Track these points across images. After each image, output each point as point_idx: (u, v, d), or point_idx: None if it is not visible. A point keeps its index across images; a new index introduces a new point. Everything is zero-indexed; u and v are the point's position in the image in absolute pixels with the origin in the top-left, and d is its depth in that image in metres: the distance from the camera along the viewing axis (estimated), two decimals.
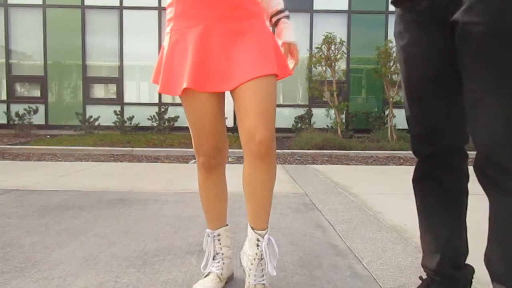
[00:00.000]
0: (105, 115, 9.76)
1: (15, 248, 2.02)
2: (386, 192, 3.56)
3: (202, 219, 2.60)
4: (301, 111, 9.83)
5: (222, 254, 1.61)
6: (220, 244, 1.61)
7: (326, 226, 2.50)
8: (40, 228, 2.37)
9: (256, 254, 1.43)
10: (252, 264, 1.45)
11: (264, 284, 1.45)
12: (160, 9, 10.07)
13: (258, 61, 1.39)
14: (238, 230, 2.36)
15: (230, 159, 6.05)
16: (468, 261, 1.40)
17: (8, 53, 10.12)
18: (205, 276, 1.58)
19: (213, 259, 1.60)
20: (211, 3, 1.39)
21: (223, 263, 1.60)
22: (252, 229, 1.44)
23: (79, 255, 1.94)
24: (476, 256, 1.71)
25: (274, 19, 1.64)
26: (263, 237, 1.42)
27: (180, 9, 1.43)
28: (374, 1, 10.14)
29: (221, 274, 1.58)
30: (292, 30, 1.64)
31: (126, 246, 2.08)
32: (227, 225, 1.65)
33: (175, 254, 1.97)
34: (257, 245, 1.43)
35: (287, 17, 1.65)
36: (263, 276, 1.45)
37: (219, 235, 1.61)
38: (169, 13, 1.48)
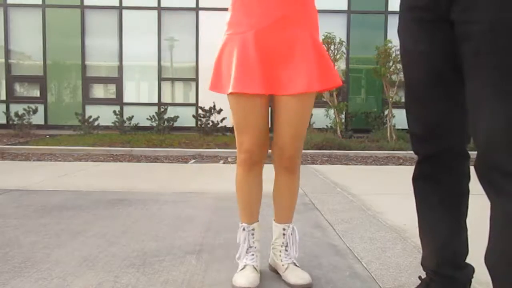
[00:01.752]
0: (104, 115, 9.76)
1: (15, 248, 2.02)
2: (385, 192, 3.56)
3: (202, 219, 2.60)
4: None
5: (255, 247, 1.69)
6: (253, 238, 1.69)
7: (326, 226, 2.50)
8: (40, 228, 2.37)
9: (283, 242, 1.70)
10: (280, 251, 1.70)
11: (294, 263, 1.69)
12: (160, 9, 10.07)
13: (304, 77, 1.52)
14: None
15: (229, 159, 6.05)
16: (468, 261, 1.40)
17: (7, 53, 10.12)
18: (242, 269, 1.64)
19: (246, 252, 1.67)
20: (260, 14, 1.53)
21: (256, 255, 1.68)
22: (278, 224, 1.73)
23: (79, 255, 1.94)
24: (476, 256, 1.71)
25: None
26: (288, 227, 1.71)
27: (235, 17, 1.59)
28: (373, 1, 10.15)
29: (257, 266, 1.66)
30: None
31: (125, 246, 2.08)
32: (258, 220, 1.74)
33: (175, 254, 1.97)
34: (283, 234, 1.71)
35: None
36: (291, 258, 1.69)
37: (253, 229, 1.70)
38: (228, 17, 1.63)
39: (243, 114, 1.58)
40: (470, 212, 1.45)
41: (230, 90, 1.52)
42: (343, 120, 9.31)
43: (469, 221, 1.43)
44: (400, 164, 5.93)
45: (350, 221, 2.57)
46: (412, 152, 1.37)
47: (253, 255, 1.67)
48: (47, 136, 8.77)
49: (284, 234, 1.70)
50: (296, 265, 1.67)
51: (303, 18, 1.59)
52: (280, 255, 1.69)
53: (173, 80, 10.22)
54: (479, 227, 2.27)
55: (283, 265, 1.67)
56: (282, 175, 1.67)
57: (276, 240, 1.72)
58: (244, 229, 1.69)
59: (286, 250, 1.69)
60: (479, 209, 2.88)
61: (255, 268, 1.64)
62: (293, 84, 1.52)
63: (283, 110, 1.57)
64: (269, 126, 1.64)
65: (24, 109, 9.40)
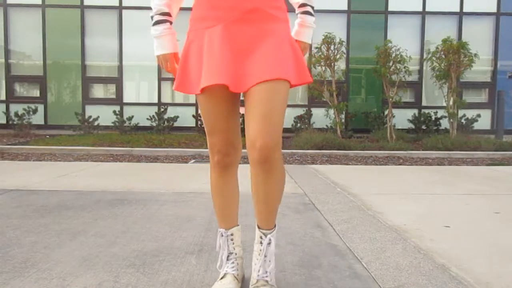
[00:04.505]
0: (104, 115, 9.76)
1: (15, 248, 2.02)
2: (385, 192, 3.56)
3: (202, 219, 2.60)
4: (300, 111, 9.83)
5: (236, 254, 1.61)
6: (233, 243, 1.61)
7: (326, 226, 2.50)
8: (40, 228, 2.37)
9: (261, 250, 1.51)
10: (257, 259, 1.52)
11: (266, 281, 1.49)
12: None
13: (270, 66, 1.40)
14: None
15: None
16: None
17: (7, 53, 10.11)
18: (222, 278, 1.57)
19: (227, 259, 1.59)
20: (228, 6, 1.42)
21: (237, 263, 1.60)
22: (258, 227, 1.54)
23: (79, 255, 1.94)
24: (476, 256, 1.72)
25: (297, 12, 1.66)
26: (266, 236, 1.51)
27: (200, 11, 1.48)
28: (373, 1, 10.15)
29: (237, 275, 1.58)
30: (307, 29, 1.64)
31: (125, 246, 2.08)
32: (238, 225, 1.66)
33: (175, 254, 1.97)
34: (260, 242, 1.52)
35: (308, 12, 1.64)
36: (266, 272, 1.50)
37: (232, 234, 1.61)
38: (191, 14, 1.53)
39: (213, 114, 1.48)
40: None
41: (200, 86, 1.40)
42: (343, 120, 9.31)
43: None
44: (400, 164, 5.93)
45: (350, 221, 2.57)
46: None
47: (233, 262, 1.58)
48: (47, 136, 8.77)
49: (261, 243, 1.52)
50: (267, 283, 1.49)
51: (277, 11, 1.47)
52: (255, 264, 1.52)
53: (173, 80, 10.21)
54: (479, 227, 2.27)
55: (254, 277, 1.52)
56: (257, 173, 1.43)
57: (255, 245, 1.56)
58: (222, 235, 1.60)
59: (263, 261, 1.50)
60: (479, 209, 2.88)
61: (235, 277, 1.56)
62: (266, 73, 1.38)
63: (255, 97, 1.38)
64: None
65: (24, 109, 9.39)
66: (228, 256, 1.59)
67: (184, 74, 1.49)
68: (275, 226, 1.54)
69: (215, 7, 1.44)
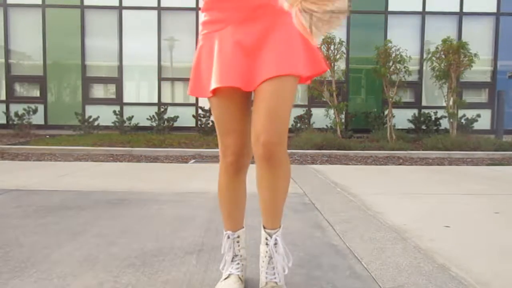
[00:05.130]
0: (104, 115, 9.75)
1: (15, 248, 2.02)
2: (385, 192, 3.56)
3: (202, 219, 2.60)
4: (300, 111, 9.83)
5: (240, 255, 1.61)
6: (239, 246, 1.61)
7: (326, 226, 2.49)
8: (40, 228, 2.37)
9: (267, 252, 1.48)
10: (263, 261, 1.50)
11: (276, 282, 1.46)
12: (160, 9, 10.06)
13: (277, 62, 1.38)
14: None
15: None
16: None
17: (7, 53, 10.11)
18: (226, 278, 1.56)
19: (232, 260, 1.58)
20: (235, 7, 1.42)
21: (242, 264, 1.60)
22: (263, 227, 1.51)
23: (79, 255, 1.94)
24: (475, 256, 1.72)
25: None
26: (271, 236, 1.48)
27: (209, 15, 1.48)
28: (373, 1, 10.15)
29: (242, 276, 1.58)
30: None
31: (125, 246, 2.08)
32: (243, 227, 1.65)
33: (175, 254, 1.97)
34: (266, 244, 1.49)
35: None
36: (274, 274, 1.47)
37: (238, 237, 1.61)
38: (202, 17, 1.53)
39: (226, 115, 1.47)
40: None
41: (211, 88, 1.40)
42: (343, 120, 9.30)
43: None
44: (400, 164, 5.93)
45: (350, 221, 2.57)
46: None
47: (238, 263, 1.58)
48: (47, 136, 8.77)
49: (267, 244, 1.49)
50: (277, 284, 1.45)
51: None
52: (262, 266, 1.50)
53: (173, 80, 10.22)
54: (479, 227, 2.27)
55: (262, 280, 1.50)
56: (262, 169, 1.41)
57: (261, 246, 1.52)
58: (228, 237, 1.59)
59: (269, 263, 1.48)
60: (474, 208, 2.88)
61: (239, 278, 1.56)
62: (273, 69, 1.37)
63: (261, 95, 1.38)
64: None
65: (24, 109, 9.39)
66: (233, 258, 1.59)
67: (197, 78, 1.49)
68: (280, 226, 1.51)
69: (223, 9, 1.44)
